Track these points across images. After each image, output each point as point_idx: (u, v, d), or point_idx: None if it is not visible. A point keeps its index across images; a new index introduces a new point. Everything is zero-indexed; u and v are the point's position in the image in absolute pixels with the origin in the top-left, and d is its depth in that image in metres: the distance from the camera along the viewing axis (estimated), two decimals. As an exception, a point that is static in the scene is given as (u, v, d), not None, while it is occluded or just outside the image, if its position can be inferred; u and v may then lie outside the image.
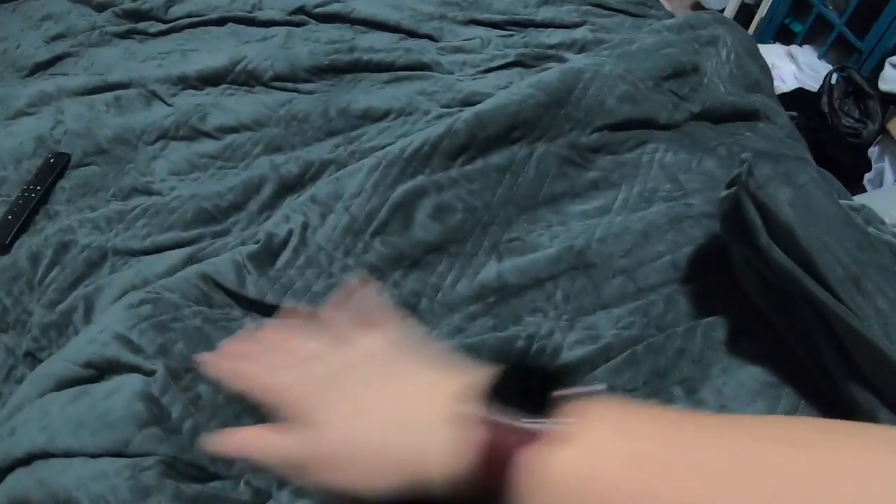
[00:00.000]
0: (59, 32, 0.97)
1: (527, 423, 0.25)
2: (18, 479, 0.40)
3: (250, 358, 0.33)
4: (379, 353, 0.32)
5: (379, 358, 0.32)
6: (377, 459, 0.29)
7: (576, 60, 0.73)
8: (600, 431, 0.25)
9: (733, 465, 0.23)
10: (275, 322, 0.39)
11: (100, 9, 0.99)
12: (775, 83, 1.83)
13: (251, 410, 0.40)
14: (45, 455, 0.39)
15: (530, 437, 0.25)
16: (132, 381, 0.41)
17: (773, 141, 0.79)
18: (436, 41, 0.83)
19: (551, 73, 0.67)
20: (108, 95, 0.82)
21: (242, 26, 0.91)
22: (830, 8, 1.86)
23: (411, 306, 0.52)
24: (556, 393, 0.26)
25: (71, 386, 0.44)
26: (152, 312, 0.46)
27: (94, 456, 0.37)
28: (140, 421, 0.37)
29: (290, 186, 0.64)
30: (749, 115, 0.80)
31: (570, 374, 0.30)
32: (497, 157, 0.62)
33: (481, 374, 0.28)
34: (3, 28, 1.02)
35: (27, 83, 0.90)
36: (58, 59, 0.92)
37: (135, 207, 0.65)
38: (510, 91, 0.65)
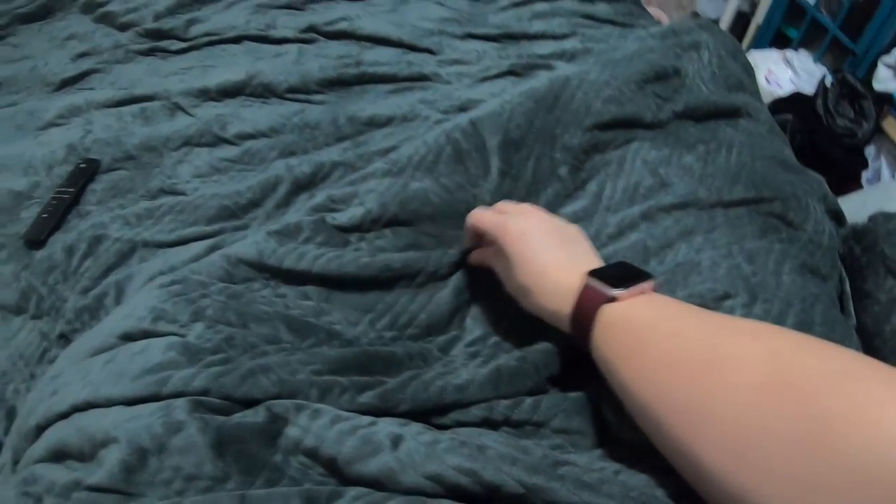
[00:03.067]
0: (84, 51, 1.04)
1: (612, 290, 0.44)
2: (56, 431, 0.44)
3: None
4: (548, 219, 0.54)
5: (548, 221, 0.53)
6: (539, 283, 0.49)
7: (563, 69, 0.79)
8: (656, 303, 0.44)
9: (719, 348, 0.38)
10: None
11: (123, 28, 1.06)
12: (772, 88, 1.88)
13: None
14: (87, 406, 0.44)
15: (611, 297, 0.44)
16: (167, 337, 0.46)
17: (753, 136, 0.84)
18: (435, 55, 0.90)
19: (539, 81, 0.73)
20: (135, 107, 0.89)
21: (257, 44, 0.98)
22: (824, 12, 1.88)
23: (410, 277, 0.58)
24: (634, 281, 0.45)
25: (109, 354, 0.49)
26: (182, 290, 0.52)
27: (131, 404, 0.42)
28: (174, 363, 0.42)
29: (303, 186, 0.70)
30: (730, 113, 0.84)
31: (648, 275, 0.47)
32: (497, 161, 0.68)
33: (597, 263, 0.50)
34: (29, 47, 1.09)
35: (55, 97, 0.97)
36: (84, 74, 0.99)
37: (161, 205, 0.71)
38: (502, 98, 0.71)
